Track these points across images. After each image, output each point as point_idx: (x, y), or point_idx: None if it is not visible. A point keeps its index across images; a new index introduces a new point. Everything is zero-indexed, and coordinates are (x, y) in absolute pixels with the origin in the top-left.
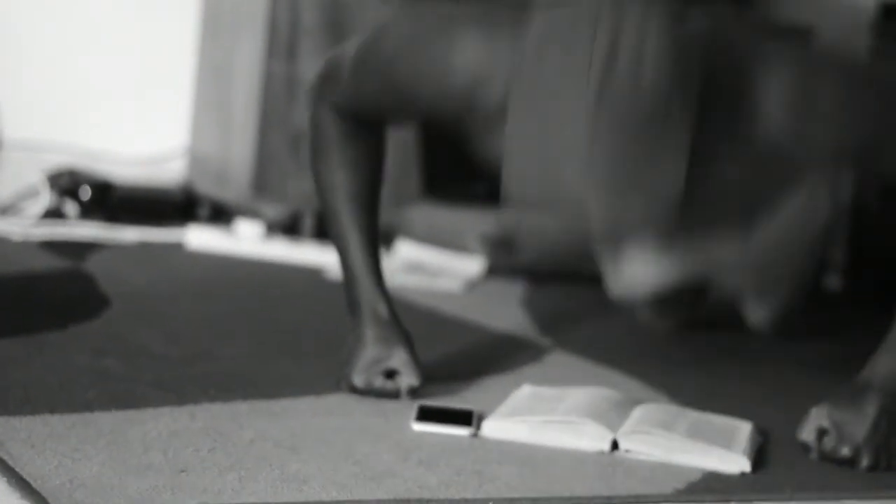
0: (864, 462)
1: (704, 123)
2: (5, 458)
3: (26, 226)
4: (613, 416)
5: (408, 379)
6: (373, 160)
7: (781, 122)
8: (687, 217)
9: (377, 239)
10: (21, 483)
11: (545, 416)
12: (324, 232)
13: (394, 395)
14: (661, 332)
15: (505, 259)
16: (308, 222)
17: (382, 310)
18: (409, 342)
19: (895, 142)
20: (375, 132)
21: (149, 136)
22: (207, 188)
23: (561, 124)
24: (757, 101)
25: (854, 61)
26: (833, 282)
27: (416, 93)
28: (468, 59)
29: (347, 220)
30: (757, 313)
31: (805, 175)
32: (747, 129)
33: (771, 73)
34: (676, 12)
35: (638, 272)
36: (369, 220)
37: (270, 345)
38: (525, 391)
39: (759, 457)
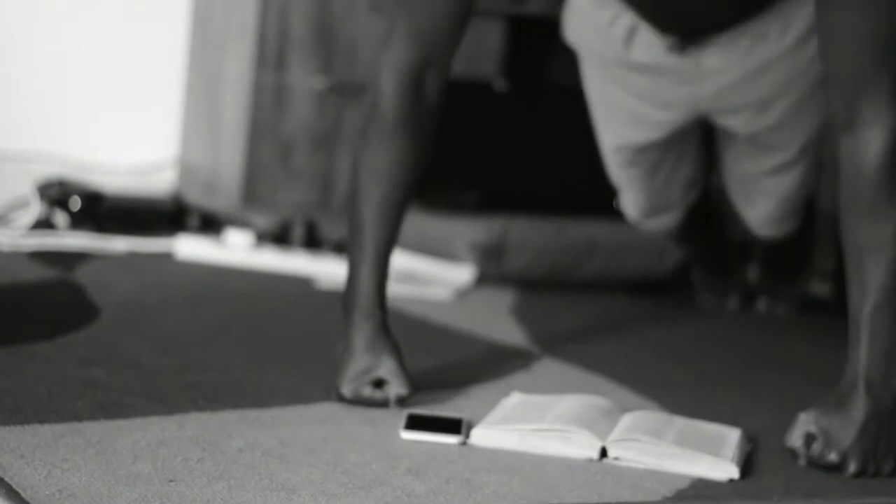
0: (852, 468)
1: None
2: None
3: (16, 236)
4: (602, 423)
5: (396, 388)
6: (414, 165)
7: None
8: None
9: (392, 250)
10: (10, 493)
11: (534, 424)
12: (313, 241)
13: (383, 404)
14: (663, 231)
15: (495, 267)
16: (297, 232)
17: (376, 319)
18: (397, 352)
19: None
20: (429, 112)
21: (138, 147)
22: (197, 198)
23: None
24: None
25: None
26: (821, 288)
27: None
28: None
29: (369, 222)
30: (750, 216)
31: None
32: None
33: None
34: None
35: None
36: (391, 229)
37: (260, 354)
38: (514, 399)
39: (748, 463)
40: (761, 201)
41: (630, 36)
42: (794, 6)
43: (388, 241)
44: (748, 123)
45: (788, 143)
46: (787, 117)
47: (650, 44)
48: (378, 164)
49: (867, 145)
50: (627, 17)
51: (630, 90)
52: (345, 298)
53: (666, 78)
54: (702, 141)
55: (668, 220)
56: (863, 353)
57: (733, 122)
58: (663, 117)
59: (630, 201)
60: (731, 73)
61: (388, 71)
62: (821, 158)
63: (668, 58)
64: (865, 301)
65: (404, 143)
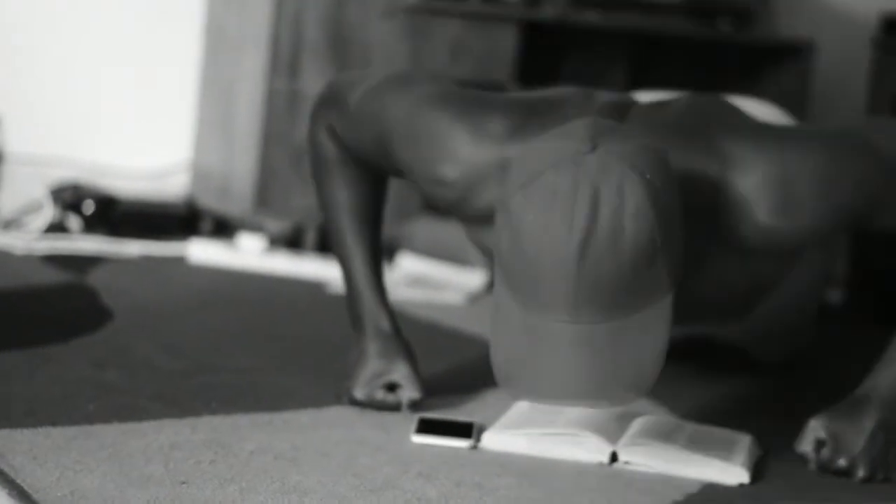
0: (860, 473)
1: (690, 241)
2: (7, 470)
3: (30, 240)
4: (613, 428)
5: (409, 392)
6: (374, 179)
7: (766, 222)
8: (680, 316)
9: (380, 253)
10: (23, 495)
11: (545, 429)
12: (326, 246)
13: (395, 408)
14: None
15: None
16: (310, 236)
17: (385, 324)
18: (410, 356)
19: (885, 205)
20: None
21: (152, 151)
22: (210, 202)
23: (544, 269)
24: (738, 208)
25: (834, 129)
26: (834, 296)
27: (409, 171)
28: (459, 164)
29: (350, 235)
30: (761, 354)
31: (799, 257)
32: (734, 237)
33: (748, 177)
34: (653, 162)
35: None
36: (372, 235)
37: (272, 358)
38: (525, 404)
39: (758, 469)
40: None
41: None
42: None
43: (373, 246)
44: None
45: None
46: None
47: None
48: (340, 186)
49: None
50: None
51: None
52: (350, 310)
53: None
54: None
55: None
56: (886, 372)
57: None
58: None
59: None
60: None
61: (323, 128)
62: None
63: None
64: None
65: (358, 166)
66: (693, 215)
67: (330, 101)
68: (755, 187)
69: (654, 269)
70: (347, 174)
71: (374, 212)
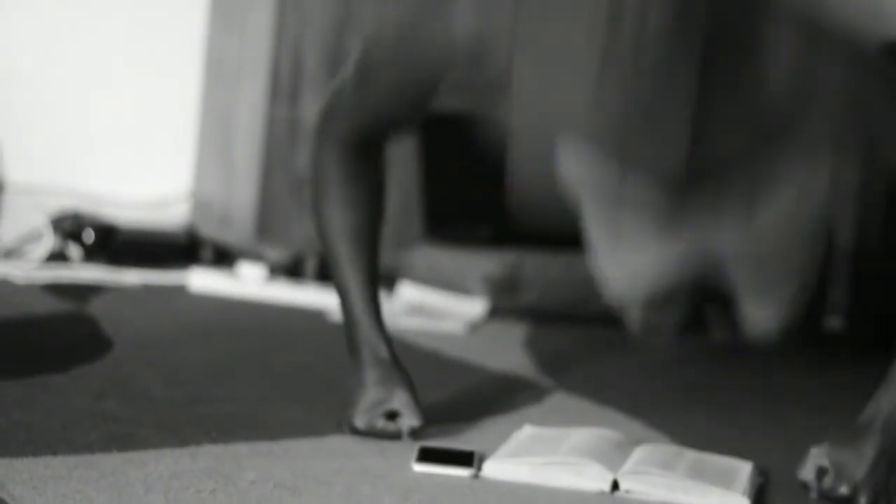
0: (862, 501)
1: (708, 88)
2: (7, 499)
3: (30, 269)
4: (614, 456)
5: (409, 420)
6: (373, 200)
7: (784, 96)
8: (688, 195)
9: (377, 280)
10: None
11: (546, 457)
12: (326, 274)
13: (395, 436)
14: (654, 340)
15: (507, 301)
16: (311, 264)
17: (383, 351)
18: (409, 383)
19: None
20: (377, 167)
21: (152, 180)
22: (211, 231)
23: (563, 88)
24: (760, 63)
25: (869, 54)
26: (834, 322)
27: (420, 71)
28: (468, 19)
29: (347, 262)
30: (757, 316)
31: (806, 155)
32: (750, 98)
33: (779, 37)
34: None
35: (636, 263)
36: (369, 262)
37: (272, 387)
38: (526, 432)
39: (759, 497)
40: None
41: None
42: (791, 168)
43: (370, 274)
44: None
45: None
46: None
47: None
48: (338, 208)
49: None
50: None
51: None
52: (347, 340)
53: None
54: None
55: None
56: (886, 398)
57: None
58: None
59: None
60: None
61: (329, 141)
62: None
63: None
64: None
65: (358, 186)
66: (715, 41)
67: (329, 105)
68: (787, 45)
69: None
70: (348, 197)
71: (371, 238)
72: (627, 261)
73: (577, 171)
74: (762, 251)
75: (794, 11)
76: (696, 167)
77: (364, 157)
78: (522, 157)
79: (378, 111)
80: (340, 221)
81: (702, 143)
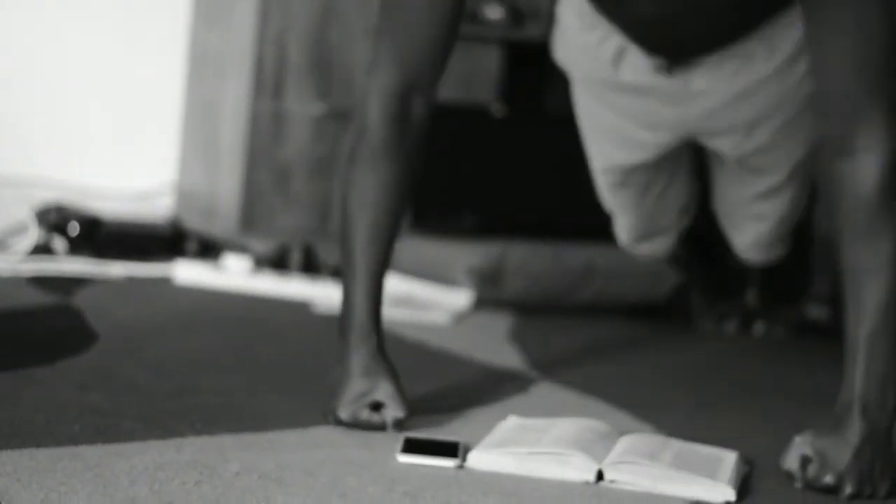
0: (847, 489)
1: None
2: None
3: (14, 262)
4: (599, 446)
5: (394, 411)
6: (402, 188)
7: None
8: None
9: (385, 273)
10: None
11: (531, 448)
12: (311, 266)
13: (380, 427)
14: (657, 256)
15: (492, 292)
16: (295, 257)
17: (372, 341)
18: (394, 375)
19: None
20: (417, 136)
21: (137, 172)
22: (195, 223)
23: None
24: None
25: None
26: (818, 312)
27: None
28: None
29: (359, 251)
30: (746, 236)
31: None
32: None
33: None
34: None
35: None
36: (383, 253)
37: (257, 378)
38: (511, 423)
39: (744, 486)
40: (750, 226)
41: (618, 57)
42: (781, 30)
43: (380, 266)
44: (736, 146)
45: (777, 167)
46: (775, 140)
47: (638, 65)
48: (366, 189)
49: (864, 169)
50: (616, 39)
51: (618, 111)
52: (341, 324)
53: (654, 99)
54: (693, 167)
55: (660, 246)
56: (859, 376)
57: (721, 145)
58: (651, 138)
59: (622, 225)
60: (718, 95)
61: (374, 96)
62: (814, 182)
63: (655, 79)
64: (862, 324)
65: (391, 168)
66: None
67: (373, 61)
68: None
69: None
70: (380, 177)
71: (390, 232)
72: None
73: (571, 52)
74: (754, 110)
75: None
76: (689, 47)
77: (405, 123)
78: None
79: (415, 35)
80: (368, 202)
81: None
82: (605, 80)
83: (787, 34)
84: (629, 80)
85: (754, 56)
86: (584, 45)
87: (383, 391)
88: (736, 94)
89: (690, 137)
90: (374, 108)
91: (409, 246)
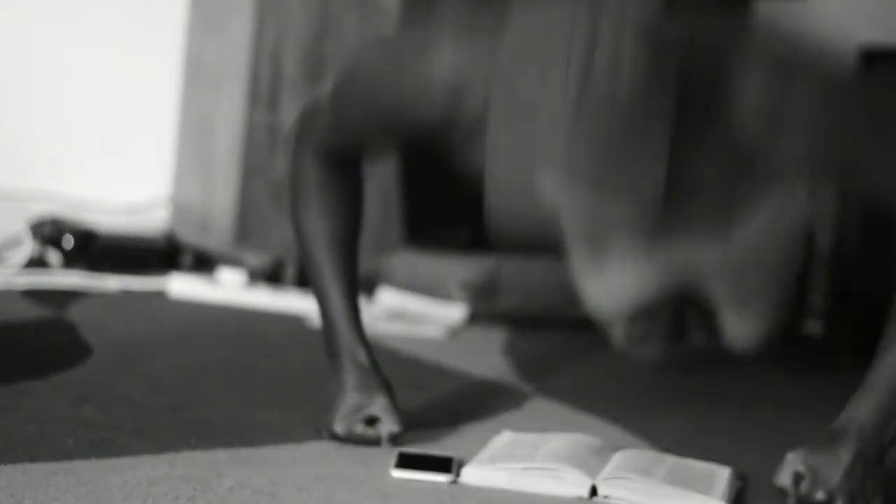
0: None
1: (682, 124)
2: None
3: (9, 275)
4: (593, 462)
5: (388, 426)
6: (352, 207)
7: (757, 125)
8: (667, 217)
9: (356, 286)
10: None
11: (525, 463)
12: (306, 280)
13: (374, 442)
14: (638, 353)
15: (487, 306)
16: (290, 270)
17: (362, 357)
18: (388, 389)
19: (877, 162)
20: (354, 176)
21: (132, 185)
22: (190, 237)
23: (540, 129)
24: (733, 103)
25: (841, 78)
26: (813, 327)
27: (396, 110)
28: (446, 67)
29: (327, 268)
30: (737, 328)
31: (782, 178)
32: (724, 129)
33: (748, 77)
34: (652, 16)
35: (618, 281)
36: (349, 268)
37: (252, 392)
38: (505, 438)
39: (738, 502)
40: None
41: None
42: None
43: (349, 279)
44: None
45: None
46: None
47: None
48: (317, 215)
49: None
50: None
51: None
52: (327, 346)
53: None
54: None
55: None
56: (865, 401)
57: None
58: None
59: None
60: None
61: (305, 152)
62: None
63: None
64: (888, 357)
65: (335, 194)
66: (689, 87)
67: (306, 117)
68: (758, 84)
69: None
70: (326, 204)
71: (351, 244)
72: (608, 279)
73: (556, 197)
74: (741, 265)
75: (768, 39)
76: (673, 194)
77: (341, 168)
78: (499, 195)
79: (351, 136)
80: (319, 230)
81: (678, 172)
82: None
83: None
84: None
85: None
86: None
87: (378, 405)
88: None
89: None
90: (306, 160)
91: (404, 260)
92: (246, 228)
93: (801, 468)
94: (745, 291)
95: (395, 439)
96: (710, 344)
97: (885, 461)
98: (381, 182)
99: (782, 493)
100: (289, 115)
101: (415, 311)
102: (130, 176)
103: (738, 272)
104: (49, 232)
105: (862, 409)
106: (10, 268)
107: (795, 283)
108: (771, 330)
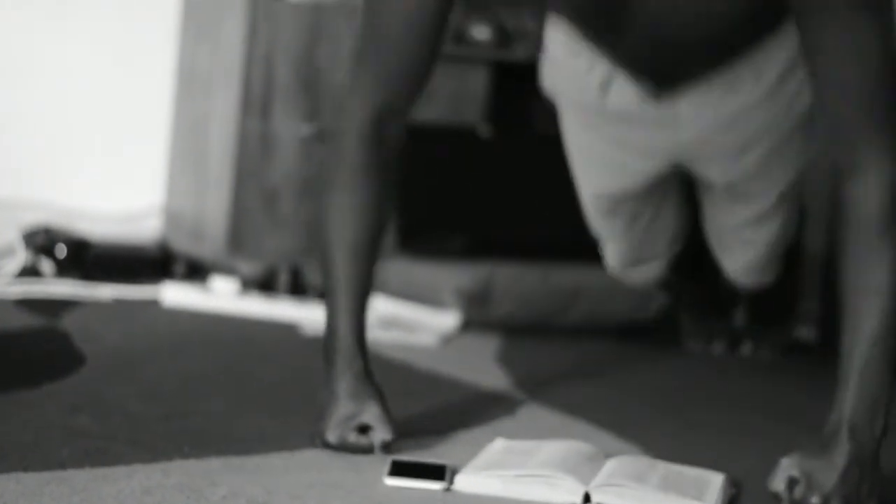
0: None
1: None
2: None
3: (2, 284)
4: (586, 469)
5: (381, 434)
6: (380, 208)
7: None
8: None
9: (368, 294)
10: None
11: (518, 470)
12: (298, 288)
13: (367, 450)
14: (645, 282)
15: (480, 313)
16: (283, 278)
17: (357, 364)
18: (381, 397)
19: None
20: (391, 162)
21: (124, 194)
22: (183, 245)
23: None
24: None
25: None
26: (806, 333)
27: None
28: None
29: (341, 272)
30: (734, 267)
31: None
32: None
33: None
34: None
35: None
36: (364, 276)
37: (245, 400)
38: (498, 445)
39: None
40: (740, 252)
41: (605, 84)
42: (767, 54)
43: (363, 288)
44: (724, 172)
45: (766, 193)
46: (763, 165)
47: (626, 91)
48: (344, 212)
49: (866, 192)
50: (603, 65)
51: (606, 138)
52: (325, 347)
53: (642, 125)
54: (683, 194)
55: (650, 272)
56: (849, 398)
57: (710, 171)
58: (640, 165)
59: (611, 252)
60: (705, 121)
61: (350, 120)
62: (803, 206)
63: (643, 105)
64: (857, 346)
65: (368, 190)
66: None
67: (349, 86)
68: None
69: None
70: (356, 200)
71: (371, 249)
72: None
73: (558, 79)
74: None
75: None
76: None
77: (381, 145)
78: None
79: (394, 59)
80: (345, 224)
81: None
82: (592, 106)
83: (774, 57)
84: (616, 108)
85: (741, 82)
86: (571, 73)
87: (370, 413)
88: (723, 121)
89: (679, 164)
90: (350, 133)
91: (397, 267)
92: (239, 237)
93: (795, 473)
94: (744, 182)
95: (387, 447)
96: (702, 350)
97: (879, 464)
98: None
99: (776, 498)
100: (281, 122)
101: (408, 318)
102: (123, 184)
103: (741, 192)
104: (42, 241)
105: (849, 408)
106: (3, 277)
107: (799, 220)
108: (774, 267)
